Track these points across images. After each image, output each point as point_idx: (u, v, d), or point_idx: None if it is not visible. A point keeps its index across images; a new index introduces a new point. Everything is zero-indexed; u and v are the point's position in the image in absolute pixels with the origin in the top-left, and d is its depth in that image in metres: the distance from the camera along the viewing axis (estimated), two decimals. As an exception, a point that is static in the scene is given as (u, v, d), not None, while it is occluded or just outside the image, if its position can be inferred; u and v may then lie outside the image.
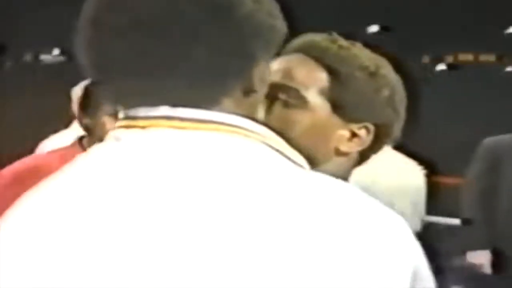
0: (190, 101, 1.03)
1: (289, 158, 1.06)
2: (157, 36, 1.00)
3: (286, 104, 1.39)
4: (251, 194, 0.96)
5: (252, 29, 1.04)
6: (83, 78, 2.40)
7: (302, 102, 1.39)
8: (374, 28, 6.91)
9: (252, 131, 1.05)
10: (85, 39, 1.05)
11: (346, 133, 1.42)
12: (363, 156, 1.46)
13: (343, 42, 1.44)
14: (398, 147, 3.97)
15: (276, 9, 1.10)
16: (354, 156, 1.45)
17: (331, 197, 1.00)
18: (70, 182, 1.02)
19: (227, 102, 1.05)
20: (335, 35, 1.45)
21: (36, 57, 7.66)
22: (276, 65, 1.41)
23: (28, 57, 7.91)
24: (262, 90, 1.11)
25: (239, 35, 1.03)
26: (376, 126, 1.43)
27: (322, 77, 1.41)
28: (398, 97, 1.45)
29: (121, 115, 1.07)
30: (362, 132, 1.43)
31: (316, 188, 1.00)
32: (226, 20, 1.03)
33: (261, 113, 1.33)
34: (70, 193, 1.00)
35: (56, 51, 7.57)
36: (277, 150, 1.05)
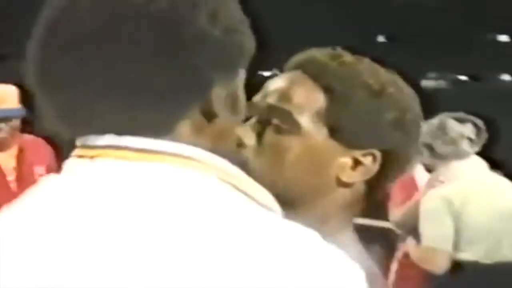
0: (140, 127, 0.96)
1: (247, 194, 0.97)
2: (99, 56, 0.94)
3: (278, 129, 1.25)
4: (188, 234, 0.90)
5: (204, 48, 0.96)
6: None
7: (295, 127, 1.25)
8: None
9: (205, 163, 0.97)
10: (31, 59, 1.00)
11: (348, 161, 1.27)
12: (371, 188, 1.30)
13: (346, 58, 1.28)
14: (497, 167, 3.72)
15: (240, 24, 1.00)
16: (361, 187, 1.29)
17: (280, 245, 0.91)
18: (16, 220, 1.00)
19: (183, 128, 0.98)
20: (338, 50, 1.30)
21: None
22: (272, 84, 1.29)
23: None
24: (233, 115, 1.02)
25: (188, 55, 0.95)
26: (383, 152, 1.27)
27: (318, 98, 1.26)
28: (410, 118, 1.29)
29: (77, 141, 1.01)
30: (366, 160, 1.27)
31: (265, 234, 0.91)
32: (174, 40, 0.95)
33: (250, 140, 1.25)
34: (16, 230, 0.99)
35: None
36: (234, 186, 0.97)
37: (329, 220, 1.27)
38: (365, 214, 1.36)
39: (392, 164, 1.29)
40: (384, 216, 4.19)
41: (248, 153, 1.25)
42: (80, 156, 0.99)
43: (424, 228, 3.50)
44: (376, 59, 1.30)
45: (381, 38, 10.13)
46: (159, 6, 0.95)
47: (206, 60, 0.96)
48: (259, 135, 1.26)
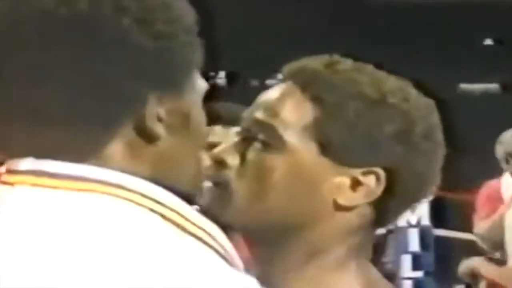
0: (62, 150, 0.87)
1: (178, 225, 0.87)
2: (5, 70, 0.86)
3: (264, 147, 1.11)
4: (88, 265, 0.81)
5: (126, 55, 0.86)
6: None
7: (280, 143, 1.10)
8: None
9: (132, 191, 0.86)
10: None
11: (345, 181, 1.11)
12: (380, 211, 1.13)
13: (342, 65, 1.14)
14: None
15: (181, 31, 0.89)
16: (366, 211, 1.12)
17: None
18: None
19: (115, 151, 0.88)
20: (335, 57, 1.15)
21: (262, 82, 8.14)
22: (262, 97, 1.16)
23: (255, 82, 8.86)
24: (185, 135, 0.91)
25: (107, 63, 0.85)
26: (388, 170, 1.11)
27: (306, 111, 1.11)
28: (419, 131, 1.12)
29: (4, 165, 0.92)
30: (368, 179, 1.10)
31: (178, 274, 0.81)
32: (90, 46, 0.85)
33: (233, 159, 1.11)
34: None
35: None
36: (163, 215, 0.86)
37: (327, 252, 1.13)
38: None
39: (402, 184, 1.12)
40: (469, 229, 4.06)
41: (231, 175, 1.12)
42: (3, 183, 0.89)
43: (509, 245, 3.29)
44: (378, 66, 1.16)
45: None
46: (74, 10, 0.85)
47: (129, 70, 0.86)
48: (243, 154, 1.12)
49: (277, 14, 9.24)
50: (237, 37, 8.66)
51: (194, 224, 0.88)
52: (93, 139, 0.87)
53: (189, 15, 0.91)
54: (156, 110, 0.88)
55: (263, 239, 1.13)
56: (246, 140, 1.13)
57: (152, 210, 0.86)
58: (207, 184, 1.11)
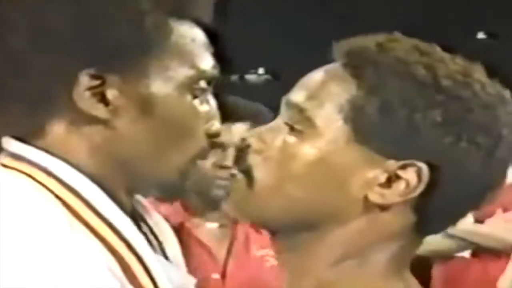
0: (22, 130, 0.94)
1: (79, 216, 0.91)
2: None
3: (292, 131, 0.99)
4: None
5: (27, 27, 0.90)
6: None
7: (309, 126, 0.98)
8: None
9: (50, 174, 0.92)
10: None
11: (379, 174, 0.96)
12: (422, 216, 0.98)
13: (397, 43, 0.99)
14: None
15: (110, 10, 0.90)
16: (406, 211, 0.97)
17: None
18: None
19: (58, 130, 0.94)
20: (395, 34, 1.01)
21: (241, 77, 8.21)
22: (301, 81, 1.03)
23: (234, 77, 8.63)
24: (143, 118, 0.93)
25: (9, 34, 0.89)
26: (431, 166, 0.95)
27: (343, 89, 0.97)
28: (476, 122, 0.96)
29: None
30: (407, 174, 0.95)
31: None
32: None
33: (259, 145, 1.00)
34: None
35: (261, 71, 8.12)
36: (65, 203, 0.91)
37: (363, 256, 0.99)
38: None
39: (449, 183, 0.96)
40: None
41: (256, 161, 1.00)
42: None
43: None
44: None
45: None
46: None
47: (51, 47, 0.89)
48: (271, 140, 1.01)
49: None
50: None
51: (101, 218, 0.91)
52: (33, 116, 0.91)
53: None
54: (91, 90, 0.90)
55: (287, 234, 1.00)
56: (276, 126, 1.02)
57: (56, 195, 0.91)
58: (233, 171, 1.02)
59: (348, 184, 0.96)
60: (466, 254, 3.34)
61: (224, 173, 2.03)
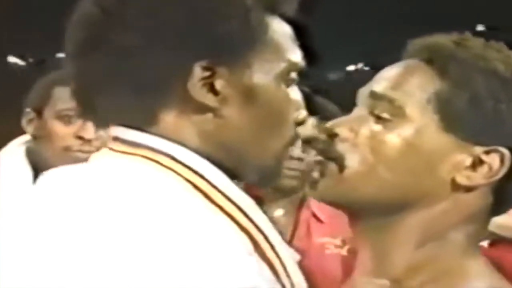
0: (131, 118, 0.98)
1: (207, 196, 0.94)
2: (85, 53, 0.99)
3: (378, 120, 1.06)
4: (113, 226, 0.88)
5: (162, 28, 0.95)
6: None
7: (399, 116, 1.05)
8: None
9: (176, 160, 0.95)
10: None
11: (466, 159, 1.04)
12: (500, 197, 1.07)
13: (472, 42, 1.08)
14: None
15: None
16: (486, 194, 1.06)
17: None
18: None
19: (169, 119, 0.98)
20: (466, 34, 1.10)
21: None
22: (380, 74, 1.11)
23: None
24: (249, 109, 0.97)
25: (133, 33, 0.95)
26: None
27: (430, 83, 1.06)
28: None
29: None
30: (490, 159, 1.04)
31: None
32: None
33: (347, 133, 1.07)
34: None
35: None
36: (195, 185, 0.95)
37: (444, 236, 1.06)
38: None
39: None
40: None
41: (344, 148, 1.07)
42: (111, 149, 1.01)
43: None
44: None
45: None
46: None
47: (169, 40, 0.95)
48: (357, 129, 1.08)
49: None
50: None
51: (229, 199, 0.95)
52: (146, 106, 0.96)
53: None
54: (202, 81, 0.95)
55: (373, 217, 1.07)
56: (360, 116, 1.08)
57: (186, 179, 0.95)
58: (318, 158, 1.09)
59: (437, 168, 1.04)
60: (484, 243, 3.39)
61: (293, 164, 2.08)
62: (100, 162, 0.99)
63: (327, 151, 1.07)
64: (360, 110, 1.09)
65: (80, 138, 2.00)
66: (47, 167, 1.83)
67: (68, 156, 1.98)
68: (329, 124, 1.09)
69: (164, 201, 0.91)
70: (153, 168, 0.95)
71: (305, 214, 2.31)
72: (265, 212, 1.00)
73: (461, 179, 1.04)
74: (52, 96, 2.01)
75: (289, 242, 2.25)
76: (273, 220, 2.22)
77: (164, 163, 0.95)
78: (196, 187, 0.94)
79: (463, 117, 1.04)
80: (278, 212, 2.32)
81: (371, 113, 1.07)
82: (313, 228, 2.33)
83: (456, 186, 1.05)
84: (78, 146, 2.00)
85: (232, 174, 0.98)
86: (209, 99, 0.96)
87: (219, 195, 0.95)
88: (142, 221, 0.88)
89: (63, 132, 1.99)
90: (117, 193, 0.91)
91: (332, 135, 1.08)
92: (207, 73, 0.95)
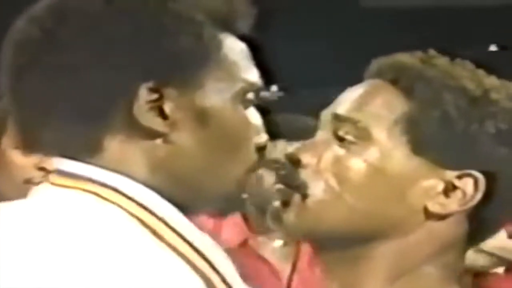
0: (75, 147, 0.92)
1: (154, 231, 0.88)
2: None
3: (342, 143, 0.99)
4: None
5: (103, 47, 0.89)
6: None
7: (364, 138, 0.99)
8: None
9: (121, 194, 0.89)
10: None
11: (437, 184, 0.98)
12: (477, 224, 1.01)
13: (439, 59, 1.03)
14: None
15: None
16: (461, 221, 0.99)
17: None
18: None
19: (113, 147, 0.91)
20: (430, 52, 1.04)
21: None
22: (342, 95, 1.05)
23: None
24: (202, 131, 0.91)
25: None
26: (486, 175, 0.98)
27: (396, 104, 1.00)
28: None
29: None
30: (464, 184, 0.98)
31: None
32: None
33: (309, 159, 1.00)
34: None
35: (274, 88, 8.20)
36: (141, 220, 0.88)
37: (417, 269, 1.00)
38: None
39: (504, 192, 0.99)
40: None
41: (307, 175, 1.00)
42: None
43: None
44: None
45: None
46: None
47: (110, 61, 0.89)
48: (320, 154, 1.01)
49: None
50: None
51: (181, 236, 0.89)
52: (89, 132, 0.90)
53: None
54: (149, 103, 0.89)
55: (340, 249, 1.01)
56: (323, 140, 1.02)
57: (131, 214, 0.88)
58: (278, 186, 1.03)
59: (406, 194, 0.98)
60: (500, 270, 3.30)
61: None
62: (37, 197, 0.94)
63: (289, 178, 1.01)
64: (323, 134, 1.03)
65: (42, 169, 1.87)
66: (3, 201, 1.73)
67: (28, 189, 1.85)
68: (291, 149, 1.02)
69: (99, 239, 0.85)
70: (93, 201, 0.88)
71: (306, 244, 2.24)
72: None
73: (434, 207, 0.98)
74: (9, 124, 1.89)
75: (291, 274, 2.25)
76: (273, 251, 2.16)
77: (104, 195, 0.88)
78: (143, 222, 0.88)
79: (433, 139, 0.98)
80: (277, 243, 2.28)
81: (335, 135, 1.02)
82: (315, 259, 2.27)
83: (428, 214, 0.99)
84: (40, 178, 1.87)
85: (186, 206, 0.91)
86: (157, 124, 0.89)
87: (169, 231, 0.88)
88: (75, 265, 0.82)
89: (23, 163, 1.86)
90: (48, 231, 0.86)
91: (295, 162, 1.01)
92: (155, 96, 0.89)
